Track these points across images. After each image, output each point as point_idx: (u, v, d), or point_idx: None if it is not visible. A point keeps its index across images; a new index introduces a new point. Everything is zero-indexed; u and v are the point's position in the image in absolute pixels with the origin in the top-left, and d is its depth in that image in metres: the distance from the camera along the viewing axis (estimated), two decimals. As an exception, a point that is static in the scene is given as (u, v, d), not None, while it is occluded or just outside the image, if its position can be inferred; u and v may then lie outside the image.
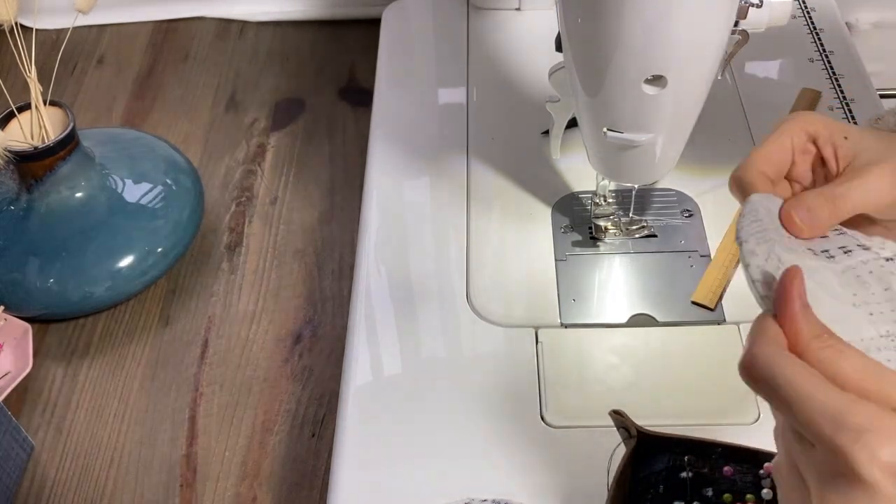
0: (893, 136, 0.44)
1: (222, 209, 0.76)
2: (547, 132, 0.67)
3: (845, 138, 0.43)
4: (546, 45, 0.57)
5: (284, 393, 0.64)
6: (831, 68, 0.74)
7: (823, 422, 0.32)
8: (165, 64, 0.90)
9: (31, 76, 0.64)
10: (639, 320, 0.59)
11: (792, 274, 0.36)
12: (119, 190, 0.69)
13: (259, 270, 0.71)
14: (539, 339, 0.58)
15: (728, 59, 0.53)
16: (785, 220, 0.42)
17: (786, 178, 0.44)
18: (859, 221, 0.43)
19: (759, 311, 0.37)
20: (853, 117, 0.69)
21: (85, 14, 0.67)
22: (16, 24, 0.64)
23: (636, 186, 0.60)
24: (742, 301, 0.58)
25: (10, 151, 0.63)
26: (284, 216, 0.75)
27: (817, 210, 0.42)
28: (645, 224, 0.63)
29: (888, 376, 0.34)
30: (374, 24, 0.84)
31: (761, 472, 0.46)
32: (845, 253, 0.41)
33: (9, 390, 0.62)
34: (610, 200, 0.63)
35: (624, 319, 0.59)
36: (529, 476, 0.51)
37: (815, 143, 0.43)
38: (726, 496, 0.46)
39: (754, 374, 0.34)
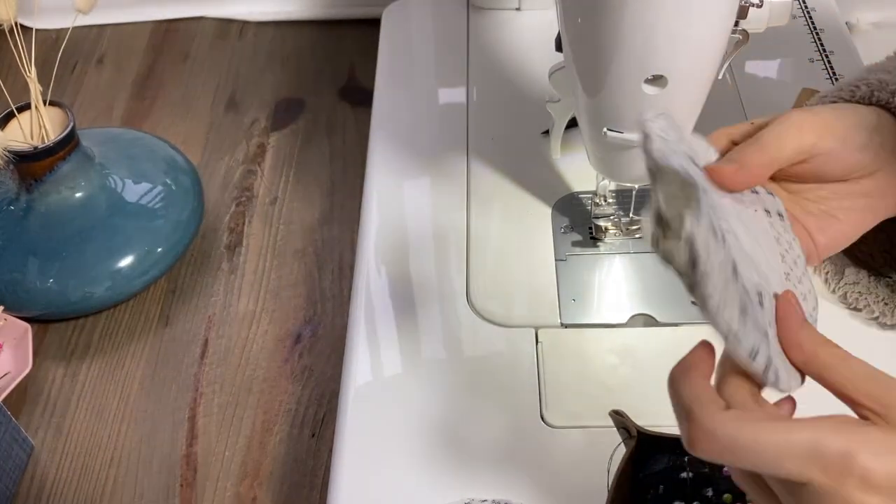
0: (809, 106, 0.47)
1: (222, 209, 0.76)
2: (547, 132, 0.67)
3: (752, 123, 0.45)
4: (546, 45, 0.57)
5: (284, 393, 0.64)
6: (831, 68, 0.74)
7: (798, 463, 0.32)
8: (165, 64, 0.90)
9: (31, 76, 0.64)
10: (639, 320, 0.59)
11: (788, 299, 0.37)
12: (119, 190, 0.69)
13: (259, 270, 0.71)
14: (539, 339, 0.58)
15: (728, 59, 0.53)
16: (716, 174, 0.42)
17: None
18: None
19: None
20: (853, 117, 0.69)
21: (85, 14, 0.67)
22: (15, 23, 0.64)
23: (636, 186, 0.60)
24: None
25: (9, 151, 0.63)
26: (284, 216, 0.75)
27: (744, 154, 0.43)
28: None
29: (892, 380, 0.34)
30: (374, 24, 0.84)
31: (761, 472, 0.46)
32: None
33: (9, 390, 0.62)
34: (610, 200, 0.63)
35: (624, 319, 0.59)
36: (529, 476, 0.51)
37: (734, 141, 0.45)
38: (726, 496, 0.46)
39: (718, 448, 0.33)
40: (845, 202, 0.46)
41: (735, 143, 0.45)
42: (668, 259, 0.37)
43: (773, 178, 0.46)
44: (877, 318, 0.56)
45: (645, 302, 0.60)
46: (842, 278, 0.57)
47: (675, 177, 0.38)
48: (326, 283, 0.70)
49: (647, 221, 0.39)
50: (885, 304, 0.56)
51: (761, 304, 0.37)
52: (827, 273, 0.58)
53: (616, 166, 0.57)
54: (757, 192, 0.43)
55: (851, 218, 0.46)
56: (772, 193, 0.44)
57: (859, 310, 0.57)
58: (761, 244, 0.41)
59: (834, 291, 0.58)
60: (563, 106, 0.61)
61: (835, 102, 0.51)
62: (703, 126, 0.56)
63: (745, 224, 0.41)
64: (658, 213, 0.37)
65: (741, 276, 0.37)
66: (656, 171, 0.38)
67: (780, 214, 0.43)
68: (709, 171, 0.42)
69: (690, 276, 0.36)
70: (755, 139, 0.44)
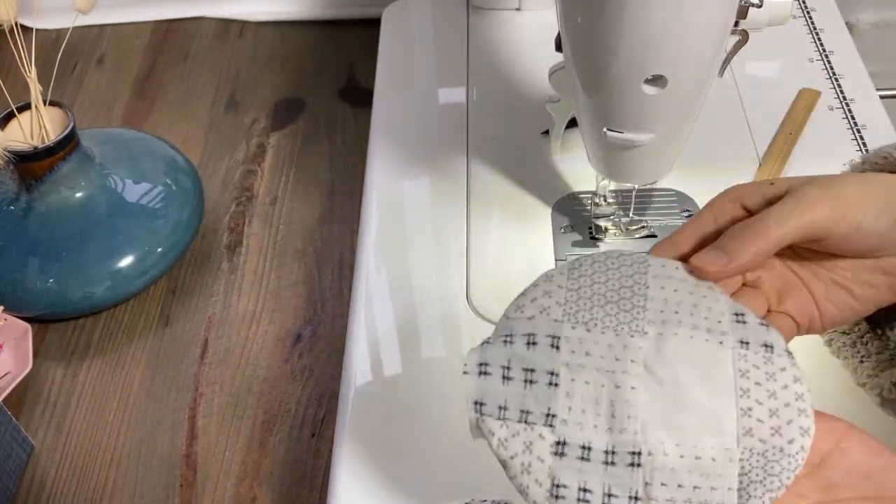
0: (833, 175, 0.43)
1: (222, 209, 0.76)
2: (547, 132, 0.67)
3: (771, 184, 0.42)
4: (546, 45, 0.57)
5: (284, 393, 0.64)
6: (831, 68, 0.74)
7: None
8: (165, 64, 0.90)
9: (31, 76, 0.64)
10: (639, 320, 0.59)
11: None
12: (119, 190, 0.69)
13: (259, 270, 0.71)
14: (539, 339, 0.57)
15: (728, 59, 0.53)
16: (700, 272, 0.40)
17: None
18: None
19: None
20: (853, 117, 0.69)
21: (85, 14, 0.67)
22: (16, 23, 0.64)
23: (636, 186, 0.60)
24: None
25: (9, 151, 0.63)
26: (284, 216, 0.75)
27: (737, 242, 0.40)
28: (645, 224, 0.63)
29: None
30: (374, 24, 0.84)
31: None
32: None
33: (9, 390, 0.62)
34: (610, 200, 0.63)
35: (624, 319, 0.59)
36: (529, 476, 0.51)
37: (743, 206, 0.43)
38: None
39: None
40: (863, 276, 0.42)
41: (748, 210, 0.42)
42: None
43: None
44: (850, 372, 0.53)
45: (645, 302, 0.59)
46: None
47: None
48: (326, 283, 0.70)
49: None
50: (861, 361, 0.52)
51: (634, 464, 0.37)
52: None
53: (616, 166, 0.57)
54: (744, 322, 0.40)
55: (866, 294, 0.43)
56: (765, 324, 0.40)
57: (838, 358, 0.54)
58: (685, 382, 0.38)
59: (822, 334, 0.54)
60: (563, 106, 0.61)
61: (865, 169, 0.47)
62: (704, 126, 0.56)
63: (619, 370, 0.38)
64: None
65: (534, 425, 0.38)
66: None
67: (767, 346, 0.39)
68: (693, 267, 0.41)
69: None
70: (757, 221, 0.40)
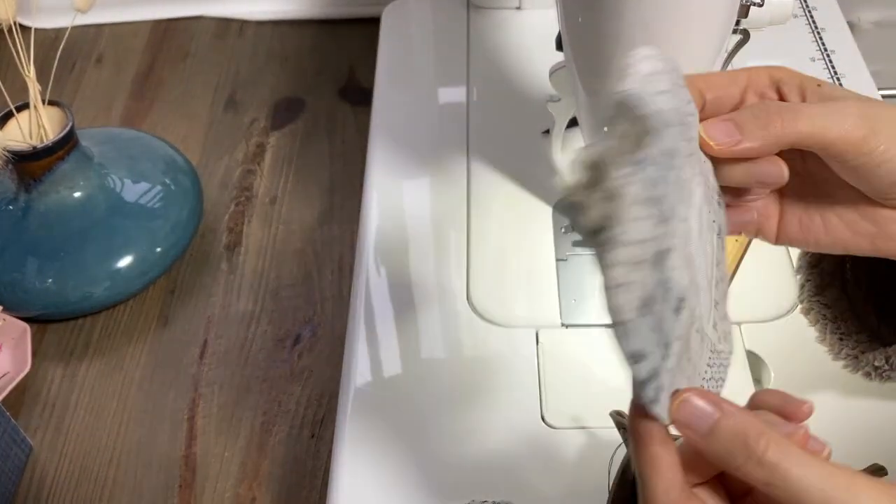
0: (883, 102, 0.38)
1: (221, 209, 0.76)
2: (547, 132, 0.67)
3: (818, 85, 0.38)
4: (546, 45, 0.57)
5: (284, 393, 0.64)
6: (833, 68, 0.73)
7: None
8: (164, 63, 0.90)
9: (30, 75, 0.64)
10: (639, 320, 0.58)
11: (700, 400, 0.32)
12: (118, 190, 0.69)
13: (258, 270, 0.71)
14: (539, 340, 0.57)
15: (729, 58, 0.53)
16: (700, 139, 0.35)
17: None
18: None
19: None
20: (854, 117, 0.69)
21: (84, 13, 0.67)
22: (14, 23, 0.63)
23: (637, 186, 0.60)
24: (742, 301, 0.58)
25: (8, 151, 0.63)
26: (284, 216, 0.75)
27: (759, 121, 0.35)
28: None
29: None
30: (374, 23, 0.84)
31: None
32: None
33: (7, 390, 0.62)
34: (610, 200, 0.63)
35: (624, 319, 0.58)
36: (529, 476, 0.51)
37: (779, 90, 0.38)
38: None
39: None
40: (849, 215, 0.38)
41: (781, 98, 0.37)
42: (575, 211, 0.31)
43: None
44: (823, 344, 0.52)
45: (645, 302, 0.59)
46: (817, 294, 0.52)
47: (642, 112, 0.31)
48: (326, 283, 0.70)
49: (574, 161, 0.32)
50: (840, 339, 0.51)
51: (677, 311, 0.31)
52: (806, 283, 0.53)
53: (616, 166, 0.57)
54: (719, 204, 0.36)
55: (839, 233, 0.38)
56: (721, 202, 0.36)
57: (815, 330, 0.53)
58: (702, 243, 0.34)
59: (802, 301, 0.53)
60: (563, 105, 0.61)
61: None
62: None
63: (701, 219, 0.33)
64: (594, 156, 0.31)
65: (669, 269, 0.30)
66: (622, 103, 0.31)
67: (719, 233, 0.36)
68: (700, 138, 0.35)
69: (593, 239, 0.30)
70: (788, 108, 0.35)
